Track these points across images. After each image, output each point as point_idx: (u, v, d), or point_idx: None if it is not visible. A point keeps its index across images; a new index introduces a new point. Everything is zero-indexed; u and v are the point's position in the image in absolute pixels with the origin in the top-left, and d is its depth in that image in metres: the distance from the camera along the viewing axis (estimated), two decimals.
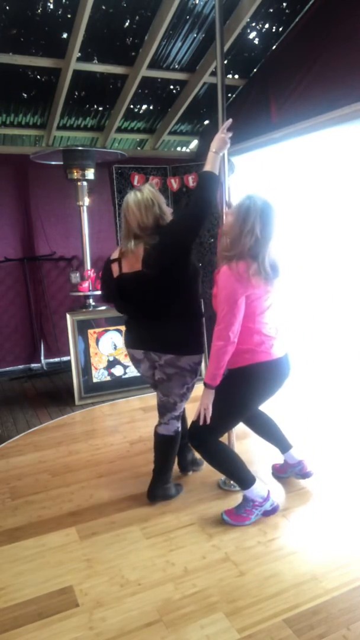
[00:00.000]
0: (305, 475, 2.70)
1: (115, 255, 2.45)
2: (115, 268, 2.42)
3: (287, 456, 2.73)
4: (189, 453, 2.86)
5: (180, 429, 2.57)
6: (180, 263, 2.31)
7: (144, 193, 2.31)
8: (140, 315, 2.42)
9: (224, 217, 2.53)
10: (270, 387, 2.30)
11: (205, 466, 2.93)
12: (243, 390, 2.28)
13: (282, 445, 2.73)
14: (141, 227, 2.27)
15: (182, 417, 2.69)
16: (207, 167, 2.34)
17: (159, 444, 2.56)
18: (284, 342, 2.32)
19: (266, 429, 2.73)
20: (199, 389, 2.35)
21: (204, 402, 2.26)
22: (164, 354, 2.37)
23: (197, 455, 2.84)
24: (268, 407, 2.56)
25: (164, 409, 2.51)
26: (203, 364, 2.57)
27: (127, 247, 2.32)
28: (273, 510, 2.40)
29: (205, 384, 2.25)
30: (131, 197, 2.31)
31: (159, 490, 2.57)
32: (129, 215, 2.30)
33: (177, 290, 2.34)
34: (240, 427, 2.82)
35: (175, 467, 2.71)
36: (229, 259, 2.18)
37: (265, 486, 2.47)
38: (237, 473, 2.39)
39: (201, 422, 2.27)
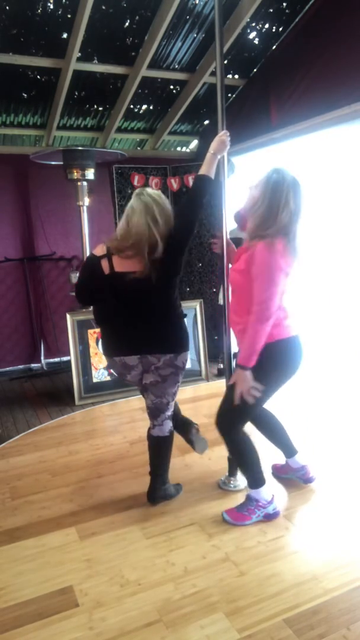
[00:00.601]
0: (307, 480, 2.67)
1: (100, 251, 2.33)
2: (105, 265, 2.30)
3: (291, 461, 2.69)
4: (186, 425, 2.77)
5: (172, 426, 2.58)
6: (177, 265, 2.34)
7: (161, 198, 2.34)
8: (136, 318, 2.34)
9: (250, 193, 2.31)
10: (294, 364, 2.24)
11: (206, 466, 2.93)
12: (269, 368, 2.18)
13: (288, 449, 2.69)
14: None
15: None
16: (203, 169, 2.35)
17: (156, 446, 2.54)
18: (300, 321, 2.30)
19: (273, 431, 2.67)
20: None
21: (244, 384, 2.14)
22: (164, 354, 2.35)
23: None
24: (272, 405, 2.56)
25: (158, 411, 2.48)
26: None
27: (125, 246, 2.27)
28: (275, 515, 2.38)
29: (240, 366, 2.14)
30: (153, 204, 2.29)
31: (158, 492, 2.56)
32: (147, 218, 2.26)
33: (172, 290, 2.38)
34: None
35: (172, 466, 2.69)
36: (262, 237, 2.08)
37: (272, 490, 2.46)
38: (252, 469, 2.38)
39: (241, 402, 2.17)
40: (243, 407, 2.22)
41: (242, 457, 2.39)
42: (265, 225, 2.09)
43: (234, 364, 2.49)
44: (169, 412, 2.52)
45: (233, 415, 2.28)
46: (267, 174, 2.11)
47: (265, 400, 2.30)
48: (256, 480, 2.38)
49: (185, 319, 2.48)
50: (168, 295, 2.35)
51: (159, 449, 2.54)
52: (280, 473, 2.77)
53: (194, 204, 2.35)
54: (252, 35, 4.10)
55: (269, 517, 2.37)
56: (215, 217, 4.98)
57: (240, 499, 2.53)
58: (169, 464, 2.61)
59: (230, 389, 2.27)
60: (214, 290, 5.18)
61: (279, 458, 2.78)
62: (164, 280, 2.29)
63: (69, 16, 3.56)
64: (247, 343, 2.12)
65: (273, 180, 2.08)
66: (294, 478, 2.72)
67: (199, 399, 4.11)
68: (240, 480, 2.71)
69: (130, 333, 2.35)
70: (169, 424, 2.53)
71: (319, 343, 4.39)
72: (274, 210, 2.07)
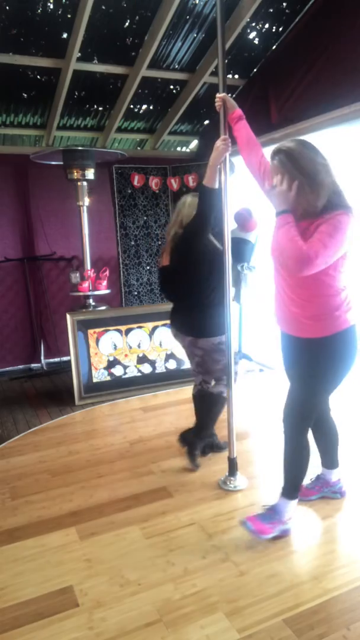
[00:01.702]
0: (342, 494, 2.54)
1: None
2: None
3: (329, 473, 2.54)
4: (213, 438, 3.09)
5: (224, 394, 2.79)
6: (185, 264, 2.71)
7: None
8: (172, 302, 2.95)
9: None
10: (355, 354, 2.12)
11: (206, 466, 2.93)
12: (336, 358, 2.08)
13: (331, 461, 2.53)
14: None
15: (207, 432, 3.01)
16: (204, 180, 2.47)
17: (206, 401, 2.90)
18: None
19: (327, 437, 2.50)
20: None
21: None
22: (186, 335, 2.82)
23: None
24: None
25: (209, 376, 2.90)
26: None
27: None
28: (286, 532, 2.26)
29: None
30: (189, 198, 2.74)
31: (190, 437, 2.89)
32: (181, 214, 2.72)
33: (191, 282, 2.71)
34: (241, 427, 2.82)
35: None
36: (315, 215, 1.96)
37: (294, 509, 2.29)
38: (298, 477, 2.23)
39: (305, 393, 2.13)
40: (309, 399, 2.15)
41: (294, 461, 2.22)
42: (317, 198, 1.96)
43: (235, 369, 2.59)
44: (216, 378, 2.88)
45: (300, 410, 2.16)
46: (280, 149, 2.03)
47: (329, 393, 2.22)
48: (294, 491, 2.24)
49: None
50: (187, 285, 2.73)
51: (208, 404, 2.89)
52: (306, 495, 2.52)
53: (197, 211, 2.57)
54: (252, 35, 4.10)
55: (284, 533, 2.25)
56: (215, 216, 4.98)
57: (240, 499, 2.54)
58: (212, 423, 2.94)
59: (297, 382, 2.18)
60: None
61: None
62: (179, 273, 2.74)
63: (69, 16, 3.56)
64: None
65: (298, 151, 1.99)
66: (325, 495, 2.55)
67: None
68: (240, 480, 2.71)
69: (171, 313, 2.94)
70: (216, 387, 2.90)
71: None
72: (320, 177, 1.95)
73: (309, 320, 2.07)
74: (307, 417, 2.20)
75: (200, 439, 2.94)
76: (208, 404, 2.91)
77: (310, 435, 2.28)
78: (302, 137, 3.93)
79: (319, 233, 1.91)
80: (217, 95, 2.42)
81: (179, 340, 2.93)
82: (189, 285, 2.73)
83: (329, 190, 1.96)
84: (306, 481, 2.55)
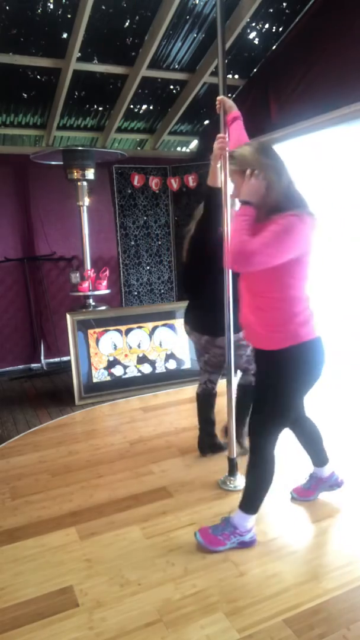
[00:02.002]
0: (339, 484, 2.53)
1: None
2: None
3: (320, 470, 2.50)
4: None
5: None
6: (190, 260, 2.82)
7: None
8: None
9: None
10: (320, 367, 2.04)
11: (206, 466, 2.93)
12: (297, 371, 1.99)
13: (320, 459, 2.50)
14: None
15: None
16: (207, 180, 2.51)
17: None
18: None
19: (310, 438, 2.47)
20: None
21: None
22: (202, 334, 2.86)
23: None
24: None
25: (216, 375, 3.00)
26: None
27: None
28: (251, 543, 2.17)
29: None
30: None
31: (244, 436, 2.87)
32: None
33: (205, 279, 2.74)
34: None
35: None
36: (267, 216, 1.90)
37: (254, 523, 2.20)
38: (258, 493, 2.14)
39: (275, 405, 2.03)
40: (273, 413, 2.05)
41: (257, 476, 2.13)
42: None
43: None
44: (243, 370, 2.93)
45: (266, 419, 2.07)
46: (241, 151, 1.97)
47: (295, 405, 2.12)
48: (253, 507, 2.15)
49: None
50: (201, 283, 2.80)
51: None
52: (305, 495, 2.52)
53: (204, 211, 2.63)
54: (252, 35, 4.10)
55: (244, 545, 2.16)
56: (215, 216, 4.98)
57: (239, 498, 2.53)
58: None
59: (261, 389, 2.11)
60: None
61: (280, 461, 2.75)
62: (194, 270, 2.85)
63: (69, 16, 3.56)
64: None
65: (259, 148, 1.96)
66: (323, 491, 2.53)
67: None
68: (240, 480, 2.71)
69: (186, 311, 3.02)
70: (243, 378, 2.93)
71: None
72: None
73: (264, 330, 1.99)
74: (271, 432, 2.08)
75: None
76: (247, 398, 2.71)
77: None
78: (302, 137, 3.96)
79: (265, 231, 1.82)
80: (217, 98, 2.46)
81: (193, 338, 2.96)
82: (203, 283, 2.77)
83: (281, 192, 1.89)
84: (301, 481, 2.57)
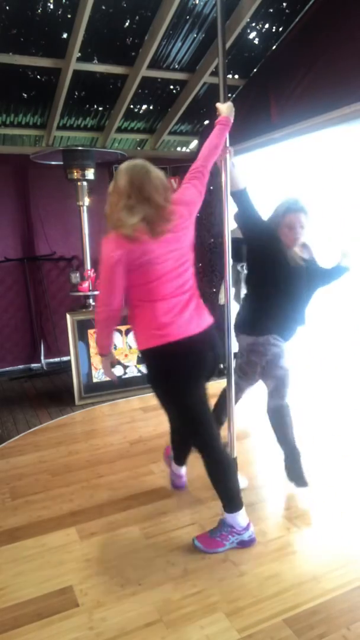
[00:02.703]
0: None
1: None
2: None
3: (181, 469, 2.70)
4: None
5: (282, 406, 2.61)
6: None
7: None
8: None
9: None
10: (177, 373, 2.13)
11: None
12: (157, 375, 2.15)
13: (183, 459, 2.65)
14: None
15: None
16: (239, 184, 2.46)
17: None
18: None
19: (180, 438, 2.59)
20: None
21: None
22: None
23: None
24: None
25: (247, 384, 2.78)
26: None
27: None
28: (250, 542, 2.20)
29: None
30: None
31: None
32: None
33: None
34: (241, 427, 2.81)
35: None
36: None
37: (247, 516, 2.23)
38: (230, 487, 2.19)
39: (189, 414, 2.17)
40: (184, 412, 2.16)
41: (214, 475, 2.17)
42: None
43: (234, 363, 2.55)
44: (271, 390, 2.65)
45: (197, 431, 2.16)
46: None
47: (189, 404, 2.13)
48: (232, 503, 2.17)
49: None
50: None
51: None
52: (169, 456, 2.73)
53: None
54: (252, 35, 4.10)
55: (244, 545, 2.19)
56: (215, 217, 4.98)
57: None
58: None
59: (181, 410, 2.20)
60: (214, 290, 5.18)
61: (280, 459, 2.76)
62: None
63: (69, 16, 3.56)
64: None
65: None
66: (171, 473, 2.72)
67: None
68: (240, 480, 2.71)
69: None
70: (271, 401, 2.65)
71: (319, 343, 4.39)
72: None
73: (133, 328, 2.16)
74: (198, 432, 2.15)
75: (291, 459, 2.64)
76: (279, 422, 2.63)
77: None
78: (302, 137, 3.96)
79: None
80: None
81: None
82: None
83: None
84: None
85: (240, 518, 2.19)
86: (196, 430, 2.17)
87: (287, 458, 2.63)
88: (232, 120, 2.39)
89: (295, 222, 2.44)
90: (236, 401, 2.80)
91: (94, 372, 4.28)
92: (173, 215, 2.03)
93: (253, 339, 2.56)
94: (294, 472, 2.60)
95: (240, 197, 2.48)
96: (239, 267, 4.54)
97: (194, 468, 2.91)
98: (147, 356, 2.10)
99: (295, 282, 2.52)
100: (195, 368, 2.10)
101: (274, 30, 4.04)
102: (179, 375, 2.08)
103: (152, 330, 2.02)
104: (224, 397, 2.86)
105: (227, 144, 2.44)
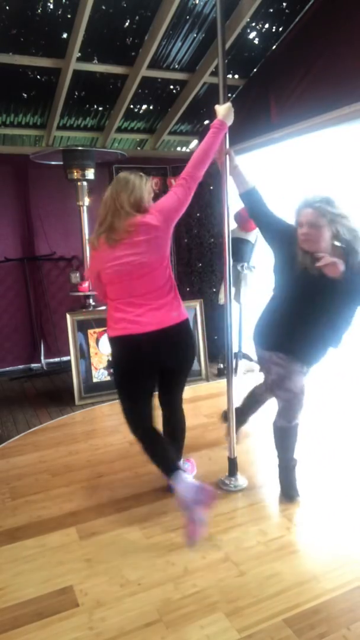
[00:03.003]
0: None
1: None
2: None
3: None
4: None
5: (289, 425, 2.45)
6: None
7: None
8: None
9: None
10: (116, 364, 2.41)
11: (206, 466, 2.93)
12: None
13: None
14: None
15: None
16: (247, 183, 2.48)
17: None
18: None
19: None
20: None
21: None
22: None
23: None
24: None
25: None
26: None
27: None
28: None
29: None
30: None
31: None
32: None
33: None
34: (240, 428, 2.80)
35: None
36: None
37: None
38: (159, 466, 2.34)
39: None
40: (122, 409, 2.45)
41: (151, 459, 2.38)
42: None
43: (234, 363, 2.52)
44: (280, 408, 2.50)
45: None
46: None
47: (125, 398, 2.44)
48: (168, 472, 2.26)
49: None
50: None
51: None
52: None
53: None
54: (252, 35, 4.10)
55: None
56: (215, 217, 4.98)
57: (240, 499, 2.54)
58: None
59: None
60: (214, 290, 5.18)
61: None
62: None
63: (69, 16, 3.56)
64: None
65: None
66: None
67: (199, 399, 4.11)
68: (240, 480, 2.71)
69: None
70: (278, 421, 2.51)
71: None
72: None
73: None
74: (129, 424, 2.47)
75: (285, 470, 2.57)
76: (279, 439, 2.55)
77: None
78: (302, 137, 3.95)
79: None
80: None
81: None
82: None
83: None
84: None
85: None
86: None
87: (281, 472, 2.57)
88: (229, 122, 2.38)
89: (303, 220, 2.19)
90: (261, 403, 2.83)
91: (94, 372, 4.28)
92: (134, 226, 2.18)
93: (260, 351, 2.44)
94: (283, 484, 2.56)
95: (250, 196, 2.45)
96: (239, 267, 4.54)
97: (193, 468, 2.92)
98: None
99: (313, 293, 2.20)
100: (128, 363, 2.33)
101: (274, 30, 4.04)
102: (115, 366, 2.41)
103: (109, 322, 2.36)
104: (252, 396, 2.86)
105: (227, 145, 2.44)
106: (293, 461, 2.56)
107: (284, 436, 2.50)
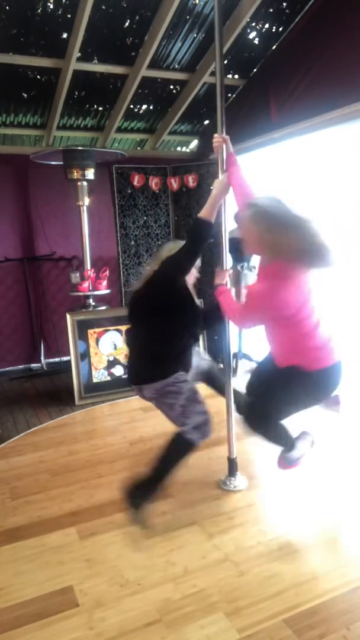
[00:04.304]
0: None
1: None
2: None
3: None
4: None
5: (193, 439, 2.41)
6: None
7: None
8: None
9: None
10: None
11: (206, 466, 2.93)
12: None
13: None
14: None
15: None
16: (203, 212, 2.31)
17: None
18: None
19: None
20: None
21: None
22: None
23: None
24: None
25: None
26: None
27: None
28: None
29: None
30: (171, 244, 2.51)
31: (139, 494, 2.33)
32: None
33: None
34: (241, 427, 2.79)
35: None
36: None
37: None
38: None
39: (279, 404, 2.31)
40: (278, 407, 2.29)
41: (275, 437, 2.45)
42: None
43: (234, 364, 2.52)
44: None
45: (267, 412, 2.32)
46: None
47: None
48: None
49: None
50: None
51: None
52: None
53: (187, 249, 2.32)
54: (252, 35, 4.10)
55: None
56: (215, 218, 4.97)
57: (240, 499, 2.54)
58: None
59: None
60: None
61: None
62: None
63: (69, 16, 3.56)
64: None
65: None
66: None
67: None
68: (240, 480, 2.72)
69: None
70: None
71: None
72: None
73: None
74: (270, 420, 2.45)
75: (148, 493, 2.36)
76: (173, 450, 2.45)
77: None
78: (302, 137, 3.95)
79: None
80: (215, 136, 2.41)
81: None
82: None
83: None
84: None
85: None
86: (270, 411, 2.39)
87: (150, 482, 2.37)
88: (224, 195, 2.41)
89: None
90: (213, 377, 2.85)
91: (94, 372, 4.28)
92: None
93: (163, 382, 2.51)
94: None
95: None
96: (239, 267, 4.54)
97: (193, 468, 2.92)
98: None
99: None
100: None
101: (273, 30, 4.04)
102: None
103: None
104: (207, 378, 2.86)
105: (224, 133, 2.43)
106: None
107: (185, 451, 2.41)
